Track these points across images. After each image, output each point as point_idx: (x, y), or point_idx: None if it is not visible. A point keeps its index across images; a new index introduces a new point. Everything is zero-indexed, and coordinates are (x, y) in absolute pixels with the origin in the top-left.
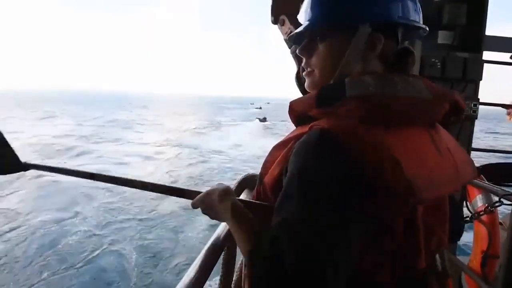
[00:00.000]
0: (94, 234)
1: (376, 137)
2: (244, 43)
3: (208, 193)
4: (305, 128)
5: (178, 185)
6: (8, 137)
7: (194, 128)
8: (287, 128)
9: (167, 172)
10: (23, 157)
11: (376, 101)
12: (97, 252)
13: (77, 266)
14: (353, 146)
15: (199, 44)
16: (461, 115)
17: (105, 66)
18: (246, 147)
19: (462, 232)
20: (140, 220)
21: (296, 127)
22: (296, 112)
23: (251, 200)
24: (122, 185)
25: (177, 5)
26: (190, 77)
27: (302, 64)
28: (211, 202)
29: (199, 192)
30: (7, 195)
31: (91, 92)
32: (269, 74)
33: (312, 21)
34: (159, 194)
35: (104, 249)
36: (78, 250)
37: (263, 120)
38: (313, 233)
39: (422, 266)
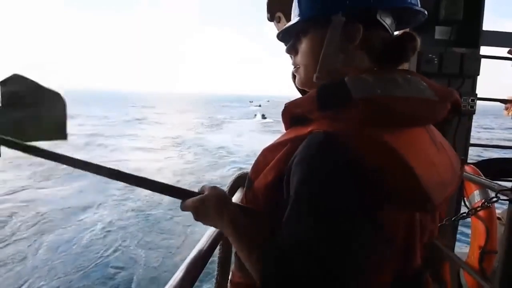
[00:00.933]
0: (106, 231)
1: (384, 141)
2: (242, 41)
3: (203, 200)
4: (302, 131)
5: (184, 180)
6: None
7: (196, 126)
8: None
9: (168, 168)
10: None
11: (383, 103)
12: (107, 250)
13: (87, 266)
14: (361, 152)
15: (198, 43)
16: (459, 113)
17: (101, 65)
18: (247, 143)
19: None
20: (148, 214)
21: (287, 128)
22: (293, 114)
23: (249, 207)
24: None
25: (176, 3)
26: (188, 75)
27: (291, 62)
28: (207, 211)
29: (191, 192)
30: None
31: (90, 92)
32: (269, 71)
33: (294, 18)
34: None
35: (114, 247)
36: (89, 249)
37: (264, 117)
38: (335, 252)
39: (418, 263)
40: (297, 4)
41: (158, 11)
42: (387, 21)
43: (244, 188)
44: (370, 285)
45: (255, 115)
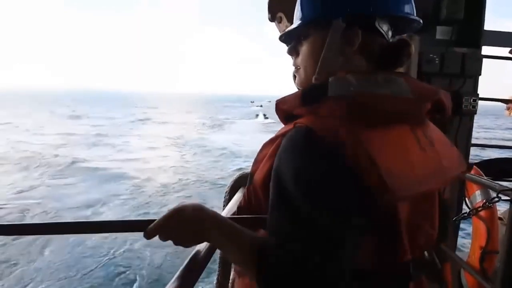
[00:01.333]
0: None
1: (354, 135)
2: (242, 41)
3: (176, 212)
4: (291, 126)
5: (186, 180)
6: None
7: (197, 126)
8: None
9: (172, 167)
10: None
11: (354, 100)
12: (111, 250)
13: (91, 268)
14: (334, 143)
15: (198, 43)
16: (444, 114)
17: (101, 65)
18: (249, 143)
19: (447, 235)
20: (154, 213)
21: (284, 124)
22: (282, 110)
23: (232, 216)
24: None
25: (176, 3)
26: (188, 75)
27: (292, 63)
28: (184, 221)
29: (152, 220)
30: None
31: (90, 92)
32: (270, 71)
33: (296, 21)
34: (167, 192)
35: (119, 247)
36: (93, 249)
37: (265, 117)
38: (317, 232)
39: (405, 258)
40: (299, 7)
41: (158, 11)
42: (384, 28)
43: (247, 184)
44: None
45: (257, 115)
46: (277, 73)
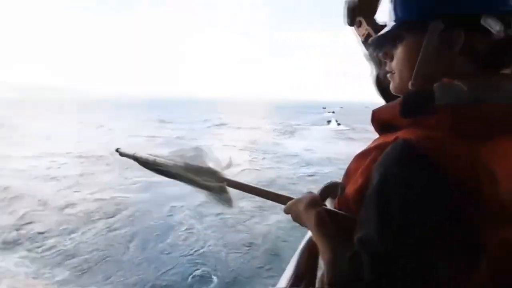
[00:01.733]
0: (190, 232)
1: (469, 151)
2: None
3: (296, 202)
4: (389, 138)
5: (260, 183)
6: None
7: (269, 131)
8: (366, 133)
9: (243, 170)
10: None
11: (468, 110)
12: (190, 250)
13: (168, 267)
14: (442, 160)
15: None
16: None
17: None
18: (321, 149)
19: None
20: (225, 215)
21: (380, 135)
22: (380, 120)
23: (339, 211)
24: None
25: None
26: (259, 81)
27: (386, 68)
28: (297, 211)
29: (291, 198)
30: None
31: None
32: (341, 77)
33: (389, 23)
34: (244, 196)
35: (197, 247)
36: (174, 248)
37: (338, 123)
38: (391, 251)
39: None
40: (393, 8)
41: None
42: (494, 26)
43: (338, 194)
44: None
45: (329, 121)
46: (348, 79)
